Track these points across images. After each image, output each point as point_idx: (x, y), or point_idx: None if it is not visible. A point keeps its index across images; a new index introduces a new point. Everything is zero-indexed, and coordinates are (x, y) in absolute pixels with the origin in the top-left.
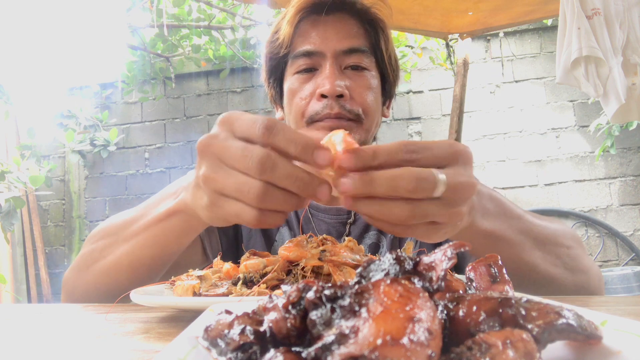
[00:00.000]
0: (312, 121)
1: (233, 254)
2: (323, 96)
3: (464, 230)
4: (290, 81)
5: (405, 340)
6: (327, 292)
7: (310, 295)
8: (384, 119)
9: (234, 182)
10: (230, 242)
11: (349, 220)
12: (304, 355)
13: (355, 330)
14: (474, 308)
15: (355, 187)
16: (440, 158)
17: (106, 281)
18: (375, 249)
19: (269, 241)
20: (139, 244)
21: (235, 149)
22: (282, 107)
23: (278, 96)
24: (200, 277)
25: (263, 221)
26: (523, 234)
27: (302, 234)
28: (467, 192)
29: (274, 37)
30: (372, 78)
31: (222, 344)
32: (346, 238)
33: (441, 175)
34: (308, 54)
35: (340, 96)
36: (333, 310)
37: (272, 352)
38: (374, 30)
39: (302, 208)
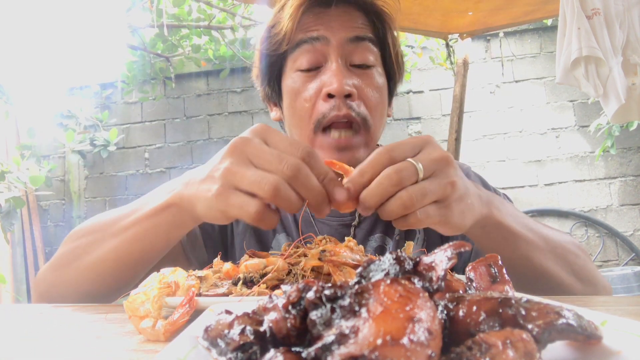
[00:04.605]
0: (319, 126)
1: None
2: (330, 96)
3: (486, 220)
4: (292, 78)
5: (405, 340)
6: (327, 292)
7: (310, 295)
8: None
9: (253, 175)
10: (216, 251)
11: (353, 223)
12: (304, 355)
13: (355, 330)
14: (474, 308)
15: (364, 209)
16: (411, 148)
17: (90, 278)
18: (381, 251)
19: (264, 248)
20: (129, 238)
21: (269, 152)
22: (278, 106)
23: (275, 95)
24: (200, 278)
25: (262, 217)
26: (537, 236)
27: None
28: (444, 161)
29: (272, 32)
30: (380, 76)
31: (222, 344)
32: (346, 239)
33: (413, 160)
34: (311, 41)
35: (348, 95)
36: (333, 310)
37: (272, 352)
38: (381, 24)
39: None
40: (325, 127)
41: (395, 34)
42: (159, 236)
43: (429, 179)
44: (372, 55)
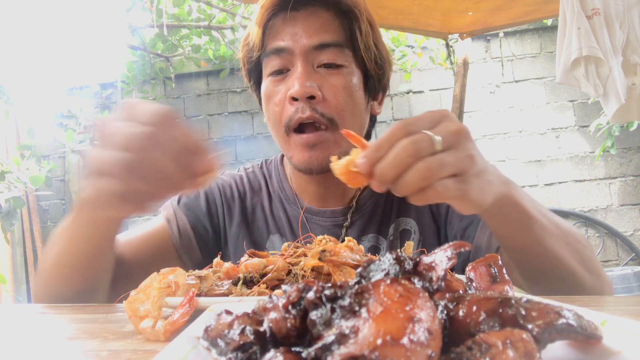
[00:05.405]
0: (288, 129)
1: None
2: (294, 99)
3: (505, 199)
4: (265, 84)
5: (405, 340)
6: (327, 292)
7: (310, 295)
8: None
9: (106, 157)
10: (211, 253)
11: (345, 224)
12: (304, 355)
13: (355, 330)
14: (474, 308)
15: (379, 183)
16: (428, 122)
17: (54, 284)
18: (374, 251)
19: (258, 249)
20: (64, 243)
21: (117, 127)
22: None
23: (259, 100)
24: (200, 278)
25: (127, 196)
26: (551, 223)
27: (300, 239)
28: (462, 134)
29: (247, 40)
30: (350, 75)
31: (222, 344)
32: (346, 239)
33: (430, 132)
34: (277, 52)
35: (312, 97)
36: (333, 310)
37: (272, 352)
38: (348, 21)
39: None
40: (294, 128)
41: (367, 26)
42: (88, 237)
43: (446, 151)
44: (340, 56)
